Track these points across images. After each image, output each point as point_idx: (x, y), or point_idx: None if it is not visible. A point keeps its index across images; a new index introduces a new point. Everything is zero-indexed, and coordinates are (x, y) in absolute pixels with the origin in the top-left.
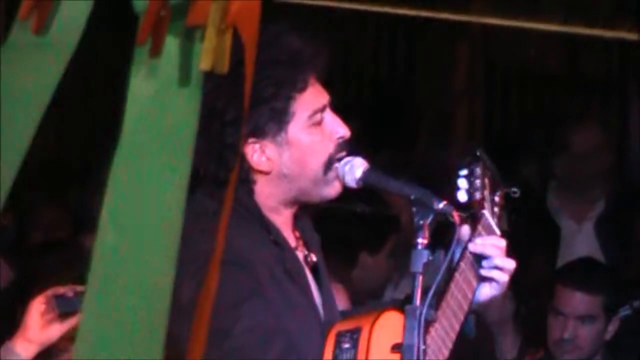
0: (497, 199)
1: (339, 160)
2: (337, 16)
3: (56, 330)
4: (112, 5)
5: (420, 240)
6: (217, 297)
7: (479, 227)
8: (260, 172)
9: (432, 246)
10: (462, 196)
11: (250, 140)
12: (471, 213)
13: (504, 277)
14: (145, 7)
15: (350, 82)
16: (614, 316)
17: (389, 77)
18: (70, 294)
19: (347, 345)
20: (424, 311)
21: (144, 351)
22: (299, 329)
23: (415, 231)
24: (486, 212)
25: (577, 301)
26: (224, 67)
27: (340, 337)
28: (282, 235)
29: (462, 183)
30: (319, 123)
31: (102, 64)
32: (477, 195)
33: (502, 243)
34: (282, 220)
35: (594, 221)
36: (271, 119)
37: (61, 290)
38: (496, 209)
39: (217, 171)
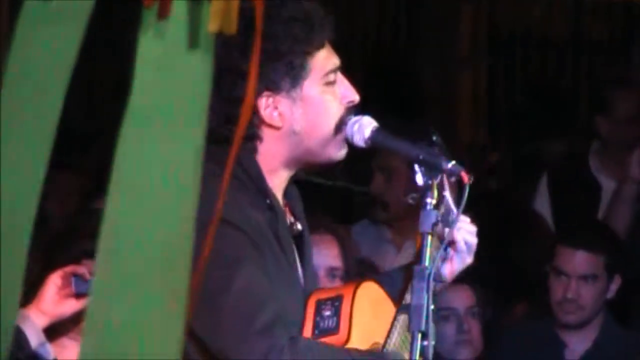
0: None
1: (348, 120)
2: None
3: (70, 306)
4: None
5: (429, 201)
6: (217, 253)
7: (441, 209)
8: (271, 127)
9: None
10: (419, 179)
11: (265, 93)
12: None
13: (470, 259)
14: None
15: (353, 47)
16: (616, 275)
17: (392, 43)
18: (87, 276)
19: (328, 313)
20: (432, 271)
21: (164, 316)
22: (286, 296)
23: (423, 191)
24: (447, 194)
25: (579, 260)
26: (232, 28)
27: (320, 304)
28: (277, 200)
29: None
30: (332, 83)
31: (102, 28)
32: (436, 178)
33: (474, 228)
34: (276, 184)
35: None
36: (287, 73)
37: (80, 270)
38: (448, 193)
39: (223, 128)
